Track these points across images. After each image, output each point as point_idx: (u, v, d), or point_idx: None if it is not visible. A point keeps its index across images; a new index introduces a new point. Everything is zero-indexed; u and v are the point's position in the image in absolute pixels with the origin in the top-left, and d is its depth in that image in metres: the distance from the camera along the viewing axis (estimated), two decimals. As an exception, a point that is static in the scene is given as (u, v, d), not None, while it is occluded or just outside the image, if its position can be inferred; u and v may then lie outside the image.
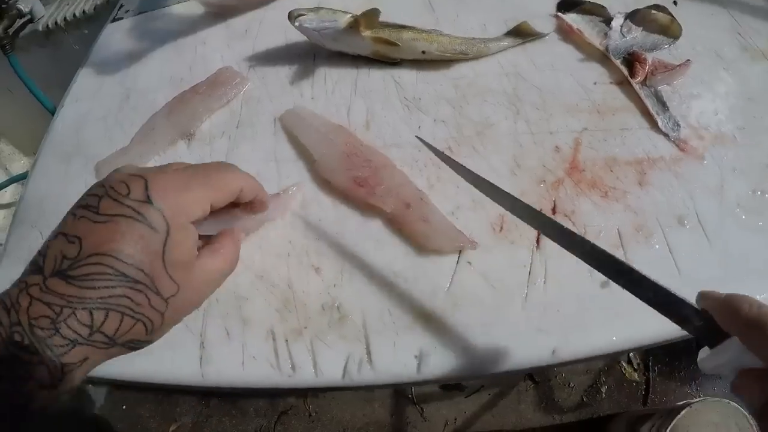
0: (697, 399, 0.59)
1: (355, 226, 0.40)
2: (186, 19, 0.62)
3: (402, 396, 0.90)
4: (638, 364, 0.79)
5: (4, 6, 0.81)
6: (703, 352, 0.25)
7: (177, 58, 0.58)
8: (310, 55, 0.52)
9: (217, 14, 0.60)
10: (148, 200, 0.27)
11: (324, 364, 0.35)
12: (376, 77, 0.49)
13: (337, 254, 0.39)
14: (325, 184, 0.43)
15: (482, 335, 0.35)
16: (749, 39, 0.55)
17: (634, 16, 0.53)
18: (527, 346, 0.35)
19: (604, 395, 0.79)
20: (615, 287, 0.29)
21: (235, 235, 0.34)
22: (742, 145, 0.46)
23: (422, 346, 0.35)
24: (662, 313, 0.26)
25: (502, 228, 0.40)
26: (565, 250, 0.30)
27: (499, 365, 0.35)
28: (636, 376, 0.78)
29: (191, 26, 0.60)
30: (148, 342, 0.29)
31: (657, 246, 0.39)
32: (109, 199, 0.27)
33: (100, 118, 0.54)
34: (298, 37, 0.51)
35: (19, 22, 0.86)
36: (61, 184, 0.49)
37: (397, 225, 0.40)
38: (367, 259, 0.39)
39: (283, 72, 0.52)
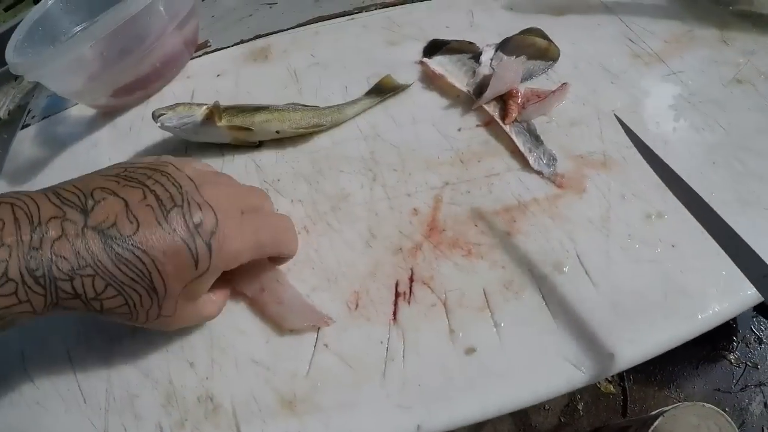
0: (671, 406, 0.59)
1: (219, 318, 0.39)
2: (80, 121, 0.63)
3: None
4: (612, 376, 0.73)
5: None
6: None
7: (73, 163, 0.59)
8: (182, 146, 0.52)
9: (106, 113, 0.61)
10: (208, 243, 0.30)
11: None
12: (239, 162, 0.48)
13: (207, 346, 0.39)
14: None
15: (344, 416, 0.34)
16: (641, 44, 0.51)
17: (506, 45, 0.51)
18: (390, 424, 0.33)
19: (582, 413, 0.74)
20: (481, 353, 0.34)
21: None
22: (633, 166, 0.42)
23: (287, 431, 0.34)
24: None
25: (357, 305, 0.38)
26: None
27: None
28: (611, 389, 0.73)
29: (85, 129, 0.61)
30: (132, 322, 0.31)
31: (528, 301, 0.36)
32: (179, 212, 0.30)
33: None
34: None
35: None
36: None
37: (257, 308, 0.39)
38: (233, 349, 0.38)
39: (161, 169, 0.51)
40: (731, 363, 0.72)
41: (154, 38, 0.58)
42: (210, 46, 0.63)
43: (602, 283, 0.36)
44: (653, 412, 0.59)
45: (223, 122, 0.47)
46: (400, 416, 0.33)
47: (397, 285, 0.38)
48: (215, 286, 0.35)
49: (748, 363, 0.70)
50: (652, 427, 0.56)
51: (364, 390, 0.34)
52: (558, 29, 0.52)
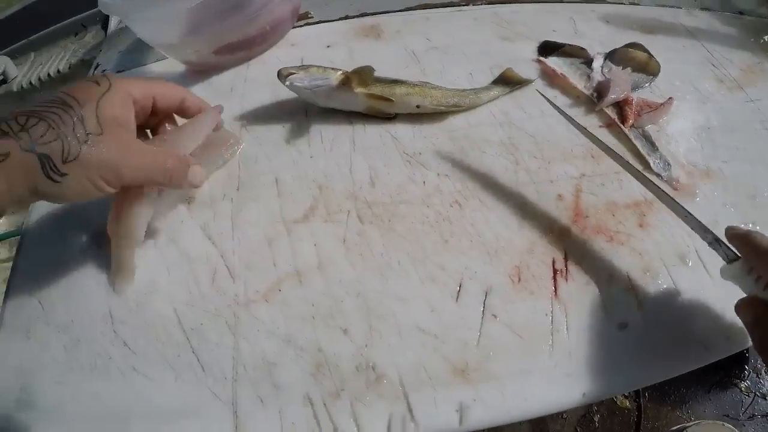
0: (691, 423, 0.60)
1: (377, 284, 0.41)
2: (167, 77, 0.61)
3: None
4: (629, 392, 0.80)
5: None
6: (723, 266, 0.37)
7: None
8: (301, 111, 0.52)
9: (199, 72, 0.60)
10: (104, 76, 0.37)
11: (367, 424, 0.35)
12: (372, 133, 0.50)
13: (362, 314, 0.40)
14: (340, 242, 0.43)
15: (518, 384, 0.37)
16: (723, 70, 0.57)
17: (613, 56, 0.55)
18: (559, 392, 0.37)
19: (597, 424, 0.79)
20: (631, 329, 0.38)
21: (175, 155, 0.40)
22: (730, 178, 0.48)
23: (461, 400, 0.36)
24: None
25: (519, 279, 0.41)
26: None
27: (534, 410, 0.36)
28: (627, 404, 0.79)
29: None
30: (60, 177, 0.33)
31: (664, 285, 0.41)
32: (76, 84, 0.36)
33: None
34: (286, 94, 0.52)
35: (-8, 83, 0.84)
36: (58, 245, 0.46)
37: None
38: (393, 317, 0.40)
39: (277, 130, 0.52)
40: (741, 391, 0.79)
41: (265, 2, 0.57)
42: (312, 17, 0.64)
43: (717, 278, 0.40)
44: (674, 428, 0.62)
45: (361, 89, 0.48)
46: (568, 385, 0.37)
47: (554, 262, 0.42)
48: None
49: (758, 393, 0.78)
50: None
51: (534, 359, 0.38)
52: (650, 46, 0.58)
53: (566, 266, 0.42)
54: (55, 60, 0.87)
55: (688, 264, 0.42)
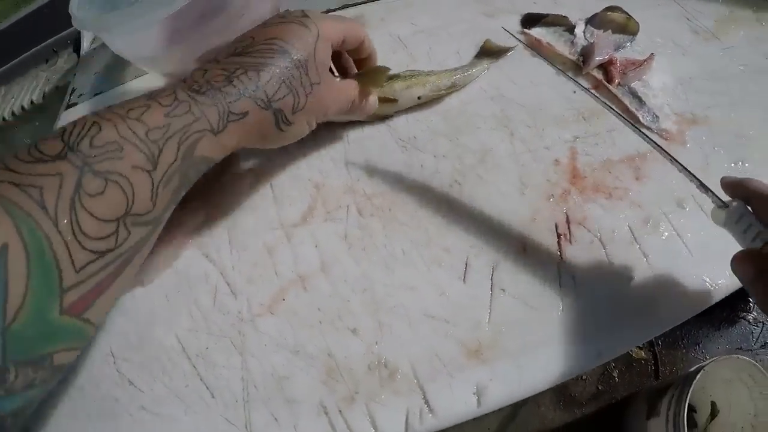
0: (708, 360, 0.61)
1: (383, 276, 0.42)
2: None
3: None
4: (643, 343, 0.82)
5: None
6: (713, 211, 0.35)
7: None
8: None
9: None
10: (305, 15, 0.38)
11: (384, 424, 0.35)
12: (365, 123, 0.51)
13: (370, 310, 0.40)
14: (342, 240, 0.44)
15: (533, 355, 0.38)
16: (697, 22, 0.59)
17: (593, 20, 0.57)
18: (575, 355, 0.38)
19: (617, 379, 0.81)
20: (637, 282, 0.39)
21: (355, 86, 0.43)
22: (715, 122, 0.49)
23: (478, 381, 0.37)
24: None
25: (525, 249, 0.43)
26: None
27: (552, 379, 0.37)
28: (642, 354, 0.81)
29: None
30: (287, 126, 0.37)
31: (666, 233, 0.43)
32: (278, 17, 0.39)
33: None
34: None
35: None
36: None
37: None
38: (402, 307, 0.40)
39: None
40: (749, 323, 0.81)
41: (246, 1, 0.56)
42: (294, 13, 0.64)
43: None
44: (692, 369, 0.62)
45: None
46: (583, 347, 0.38)
47: (557, 227, 0.44)
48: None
49: (766, 322, 0.80)
50: (692, 384, 0.58)
51: (546, 327, 0.39)
52: (628, 8, 0.59)
53: (569, 229, 0.43)
54: (28, 91, 0.82)
55: (686, 209, 0.44)
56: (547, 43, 0.55)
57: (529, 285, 0.41)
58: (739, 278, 0.32)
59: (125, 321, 0.41)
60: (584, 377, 0.82)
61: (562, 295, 0.40)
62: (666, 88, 0.53)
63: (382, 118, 0.51)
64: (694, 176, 0.37)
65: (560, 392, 0.83)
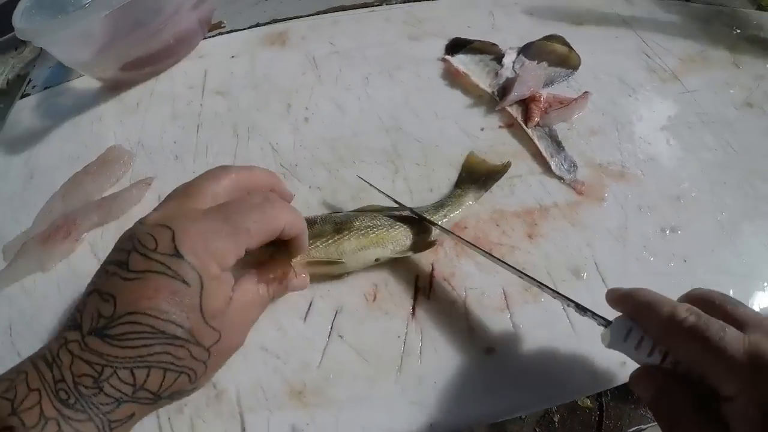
0: (651, 425, 0.58)
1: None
2: (84, 94, 0.61)
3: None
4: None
5: None
6: (603, 332, 0.30)
7: (75, 136, 0.56)
8: (194, 126, 0.50)
9: (112, 88, 0.59)
10: (176, 254, 0.27)
11: None
12: (254, 145, 0.47)
13: None
14: None
15: (355, 410, 0.33)
16: (658, 60, 0.52)
17: (528, 50, 0.51)
18: (402, 420, 0.32)
19: (557, 425, 0.73)
20: (500, 353, 0.33)
21: (275, 281, 0.33)
22: (650, 179, 0.43)
23: (294, 423, 0.33)
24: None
25: (375, 298, 0.37)
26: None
27: None
28: (588, 403, 0.72)
29: (89, 102, 0.59)
30: (194, 389, 0.29)
31: (547, 304, 0.36)
32: (137, 254, 0.27)
33: (7, 198, 0.52)
34: (185, 106, 0.50)
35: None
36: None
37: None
38: None
39: (169, 147, 0.50)
40: None
41: (170, 13, 0.55)
42: (224, 26, 0.61)
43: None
44: (631, 430, 0.59)
45: (297, 259, 0.35)
46: (413, 413, 0.32)
47: (417, 279, 0.37)
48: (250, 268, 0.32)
49: None
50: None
51: (378, 384, 0.34)
52: (577, 38, 0.52)
53: (431, 284, 0.37)
54: (-4, 75, 0.85)
55: (582, 278, 0.37)
56: (464, 72, 0.48)
57: (370, 337, 0.35)
58: (640, 397, 0.28)
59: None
60: (523, 417, 0.74)
61: (403, 353, 0.34)
62: (598, 133, 0.45)
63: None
64: (565, 297, 0.32)
65: (495, 429, 0.76)
